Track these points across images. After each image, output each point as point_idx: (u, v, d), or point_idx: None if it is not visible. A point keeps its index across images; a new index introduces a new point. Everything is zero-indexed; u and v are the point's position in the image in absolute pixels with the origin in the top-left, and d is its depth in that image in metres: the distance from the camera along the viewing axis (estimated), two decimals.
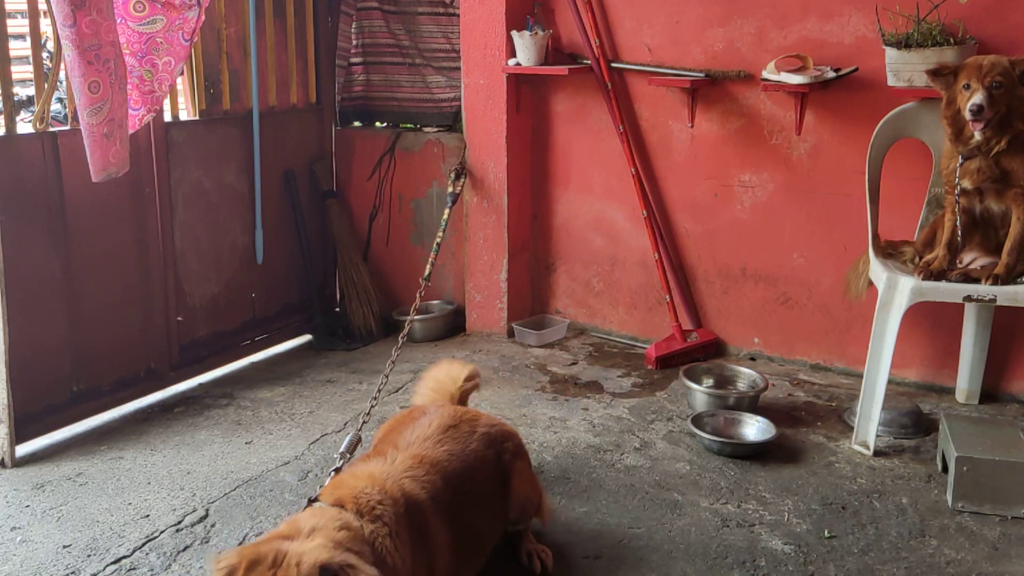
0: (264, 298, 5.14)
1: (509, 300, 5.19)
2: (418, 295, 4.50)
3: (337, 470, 2.75)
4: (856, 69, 4.25)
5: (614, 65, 4.86)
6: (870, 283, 4.01)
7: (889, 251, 4.00)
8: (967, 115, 3.48)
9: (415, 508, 2.49)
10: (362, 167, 5.53)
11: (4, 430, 3.70)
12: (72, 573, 2.94)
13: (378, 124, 5.62)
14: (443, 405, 3.01)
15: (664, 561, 3.00)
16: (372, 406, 3.53)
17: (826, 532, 3.17)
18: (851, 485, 3.50)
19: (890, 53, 3.98)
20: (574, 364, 4.79)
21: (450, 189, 5.05)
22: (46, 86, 3.92)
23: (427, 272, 4.78)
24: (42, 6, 3.82)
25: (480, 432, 2.88)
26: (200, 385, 4.63)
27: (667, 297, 4.86)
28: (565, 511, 3.31)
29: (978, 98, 3.44)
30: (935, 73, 3.62)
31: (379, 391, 3.66)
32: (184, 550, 3.06)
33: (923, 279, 3.65)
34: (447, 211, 5.01)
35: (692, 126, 4.74)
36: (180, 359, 4.62)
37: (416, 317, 4.58)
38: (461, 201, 5.17)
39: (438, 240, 4.94)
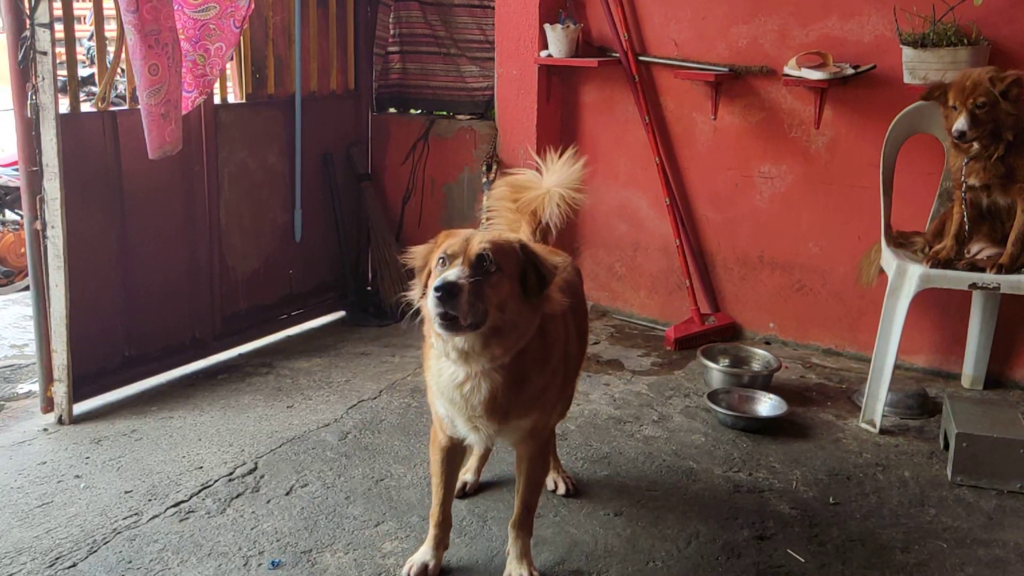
0: (301, 275, 5.38)
1: None
2: None
3: None
4: (874, 67, 4.44)
5: (641, 58, 5.07)
6: (881, 271, 4.21)
7: (901, 241, 4.20)
8: (953, 137, 3.69)
9: None
10: (397, 152, 5.77)
11: (63, 389, 3.96)
12: (135, 514, 3.20)
13: (413, 111, 5.85)
14: None
15: (679, 520, 3.23)
16: None
17: (831, 499, 3.39)
18: (856, 459, 3.72)
19: (907, 52, 4.17)
20: (596, 344, 5.02)
21: (484, 180, 5.29)
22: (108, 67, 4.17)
23: None
24: None
25: (567, 261, 3.09)
26: (240, 355, 4.88)
27: (687, 282, 5.08)
28: (587, 474, 3.55)
29: (960, 123, 3.66)
30: (927, 96, 3.84)
31: None
32: (237, 497, 3.33)
33: (931, 267, 3.85)
34: (486, 200, 5.24)
35: (715, 118, 4.94)
36: (222, 330, 4.88)
37: None
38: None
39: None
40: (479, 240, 2.44)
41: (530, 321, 2.52)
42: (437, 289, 2.31)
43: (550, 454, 2.95)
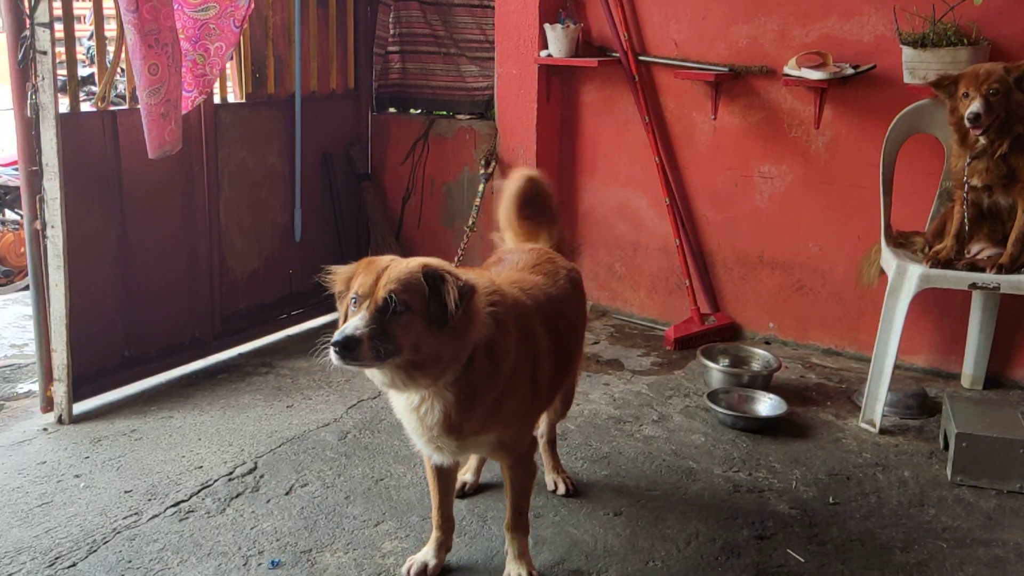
0: (301, 274, 5.37)
1: None
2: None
3: None
4: (874, 66, 4.44)
5: (641, 58, 5.07)
6: (881, 272, 4.21)
7: (900, 241, 4.20)
8: (966, 122, 3.69)
9: (523, 309, 2.73)
10: (396, 151, 5.77)
11: (63, 388, 3.96)
12: (135, 514, 3.20)
13: (412, 111, 5.85)
14: (524, 249, 3.21)
15: (679, 520, 3.23)
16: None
17: (831, 499, 3.39)
18: (856, 459, 3.72)
19: (907, 52, 4.17)
20: (596, 343, 5.02)
21: (482, 172, 5.30)
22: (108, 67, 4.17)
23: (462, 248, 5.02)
24: None
25: (563, 271, 3.11)
26: (240, 355, 4.87)
27: (687, 282, 5.08)
28: (587, 474, 3.55)
29: (976, 106, 3.65)
30: (937, 84, 3.84)
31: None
32: (237, 496, 3.33)
33: (931, 267, 3.85)
34: (481, 187, 5.27)
35: (715, 118, 4.94)
36: (222, 329, 4.88)
37: None
38: (491, 186, 5.39)
39: (475, 210, 5.25)
40: (385, 282, 2.35)
41: (456, 349, 2.43)
42: (334, 344, 2.27)
43: (533, 458, 2.90)
